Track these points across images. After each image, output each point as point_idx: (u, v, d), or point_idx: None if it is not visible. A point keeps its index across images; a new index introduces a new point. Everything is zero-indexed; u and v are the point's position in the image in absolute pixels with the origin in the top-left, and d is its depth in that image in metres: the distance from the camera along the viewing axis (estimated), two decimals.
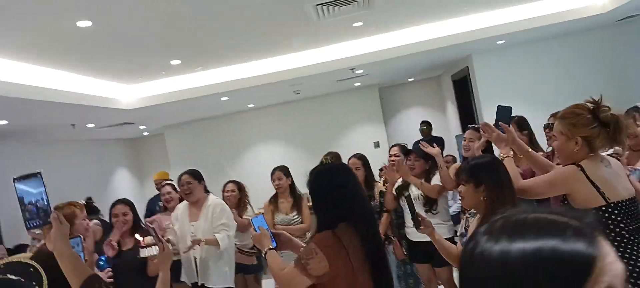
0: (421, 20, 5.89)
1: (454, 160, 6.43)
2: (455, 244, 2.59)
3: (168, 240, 3.50)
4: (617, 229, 2.08)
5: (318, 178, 2.14)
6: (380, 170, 5.88)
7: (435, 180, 3.92)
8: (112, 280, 2.88)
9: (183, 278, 3.96)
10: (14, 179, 1.53)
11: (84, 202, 3.82)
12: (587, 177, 2.13)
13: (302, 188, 4.61)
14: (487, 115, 7.03)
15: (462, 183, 2.25)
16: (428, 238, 3.64)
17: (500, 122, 2.55)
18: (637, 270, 2.03)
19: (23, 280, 1.32)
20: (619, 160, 2.50)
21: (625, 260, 2.04)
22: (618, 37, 7.23)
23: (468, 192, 2.21)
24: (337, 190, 2.04)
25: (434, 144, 3.96)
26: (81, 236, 2.35)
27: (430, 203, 3.86)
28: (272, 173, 4.48)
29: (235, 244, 4.29)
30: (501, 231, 0.56)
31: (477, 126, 3.88)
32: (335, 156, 5.07)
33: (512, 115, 3.63)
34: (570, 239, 0.53)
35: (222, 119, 9.41)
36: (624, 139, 2.17)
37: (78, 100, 5.31)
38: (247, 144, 9.49)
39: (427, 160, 4.03)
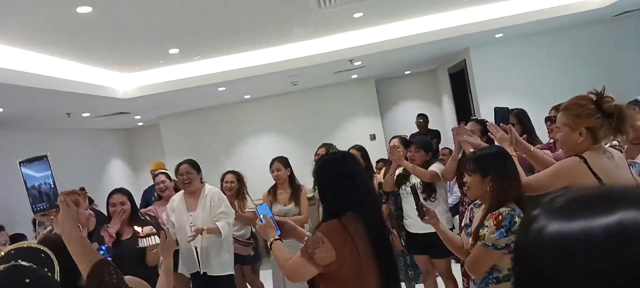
0: (421, 12, 5.88)
1: (451, 152, 6.44)
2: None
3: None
4: None
5: (324, 167, 2.13)
6: (378, 162, 5.91)
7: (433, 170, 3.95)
8: None
9: (181, 269, 3.95)
10: (20, 162, 1.50)
11: None
12: (590, 168, 2.13)
13: (301, 178, 4.66)
14: (484, 108, 7.05)
15: (468, 173, 2.25)
16: (426, 230, 3.74)
17: (500, 124, 2.70)
18: None
19: (35, 266, 1.30)
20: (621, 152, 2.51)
21: None
22: (614, 32, 7.27)
23: (474, 183, 2.21)
24: (344, 179, 2.03)
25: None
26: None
27: (428, 191, 3.87)
28: (271, 163, 4.46)
29: (233, 234, 4.29)
30: (572, 208, 0.54)
31: (479, 118, 3.90)
32: (330, 147, 5.06)
33: (511, 108, 3.71)
34: None
35: (218, 110, 9.37)
36: (627, 129, 2.17)
37: (75, 88, 5.24)
38: (243, 135, 9.46)
39: (428, 151, 4.07)
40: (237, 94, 8.35)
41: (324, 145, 4.78)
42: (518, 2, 6.09)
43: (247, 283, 4.80)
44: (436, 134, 7.88)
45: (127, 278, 1.50)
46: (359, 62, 6.96)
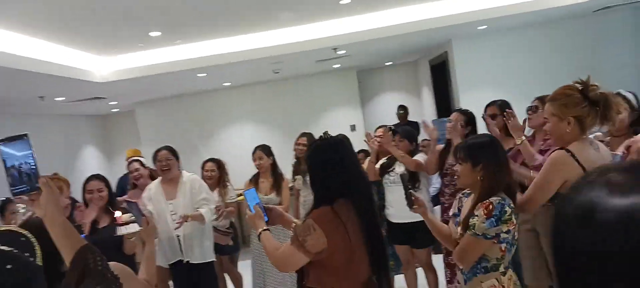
0: (407, 1, 5.85)
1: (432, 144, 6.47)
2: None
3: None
4: None
5: (316, 152, 2.08)
6: (358, 153, 5.88)
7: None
8: None
9: (159, 261, 3.80)
10: None
11: None
12: (576, 160, 2.14)
13: (283, 168, 4.60)
14: (465, 100, 7.08)
15: (459, 162, 2.23)
16: (407, 220, 3.74)
17: (506, 110, 3.11)
18: None
19: (16, 251, 1.22)
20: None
21: None
22: (594, 27, 7.39)
23: (465, 171, 2.18)
24: (336, 165, 1.98)
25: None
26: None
27: (413, 181, 3.87)
28: (253, 152, 4.39)
29: (212, 223, 4.20)
30: (618, 186, 0.51)
31: (464, 109, 3.90)
32: (310, 137, 4.99)
33: (494, 99, 3.75)
34: None
35: (196, 97, 9.21)
36: (614, 115, 2.20)
37: (49, 69, 5.04)
38: (221, 123, 9.33)
39: (411, 141, 4.08)
40: (216, 81, 8.21)
41: (304, 134, 4.71)
42: None
43: (225, 273, 4.72)
44: (415, 126, 7.92)
45: (111, 264, 1.42)
46: (343, 51, 6.91)
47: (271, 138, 8.24)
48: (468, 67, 7.57)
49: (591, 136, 2.60)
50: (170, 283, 4.05)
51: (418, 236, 3.78)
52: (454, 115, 3.81)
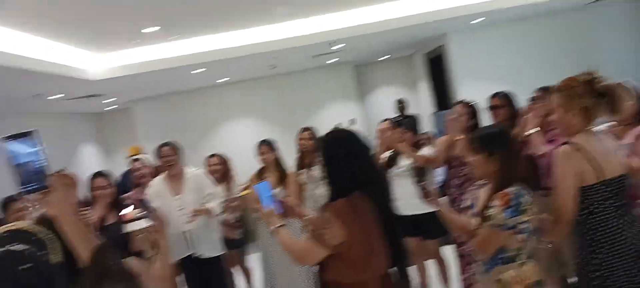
0: None
1: (430, 138, 6.47)
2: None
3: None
4: (606, 204, 2.09)
5: (333, 144, 2.06)
6: None
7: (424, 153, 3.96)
8: None
9: None
10: (5, 138, 1.37)
11: None
12: (582, 152, 2.13)
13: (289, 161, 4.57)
14: (463, 93, 7.09)
15: (472, 153, 2.22)
16: (416, 212, 3.73)
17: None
18: (623, 246, 2.06)
19: (30, 250, 1.20)
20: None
21: (612, 237, 2.07)
22: (589, 19, 7.43)
23: (479, 162, 2.17)
24: (353, 157, 1.97)
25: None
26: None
27: (420, 174, 3.86)
28: (258, 146, 4.36)
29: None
30: None
31: (467, 101, 3.90)
32: (312, 131, 4.97)
33: (497, 91, 3.75)
34: None
35: (193, 94, 9.16)
36: (621, 107, 2.19)
37: (44, 67, 4.97)
38: (220, 119, 9.29)
39: (415, 132, 4.07)
40: (213, 77, 8.17)
41: (306, 129, 4.68)
42: None
43: (233, 268, 4.70)
44: (413, 119, 7.92)
45: (128, 261, 1.40)
46: (341, 45, 6.89)
47: (269, 134, 8.15)
48: (465, 60, 7.59)
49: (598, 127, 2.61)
50: (178, 279, 4.03)
51: (429, 227, 3.79)
52: (457, 108, 3.80)
